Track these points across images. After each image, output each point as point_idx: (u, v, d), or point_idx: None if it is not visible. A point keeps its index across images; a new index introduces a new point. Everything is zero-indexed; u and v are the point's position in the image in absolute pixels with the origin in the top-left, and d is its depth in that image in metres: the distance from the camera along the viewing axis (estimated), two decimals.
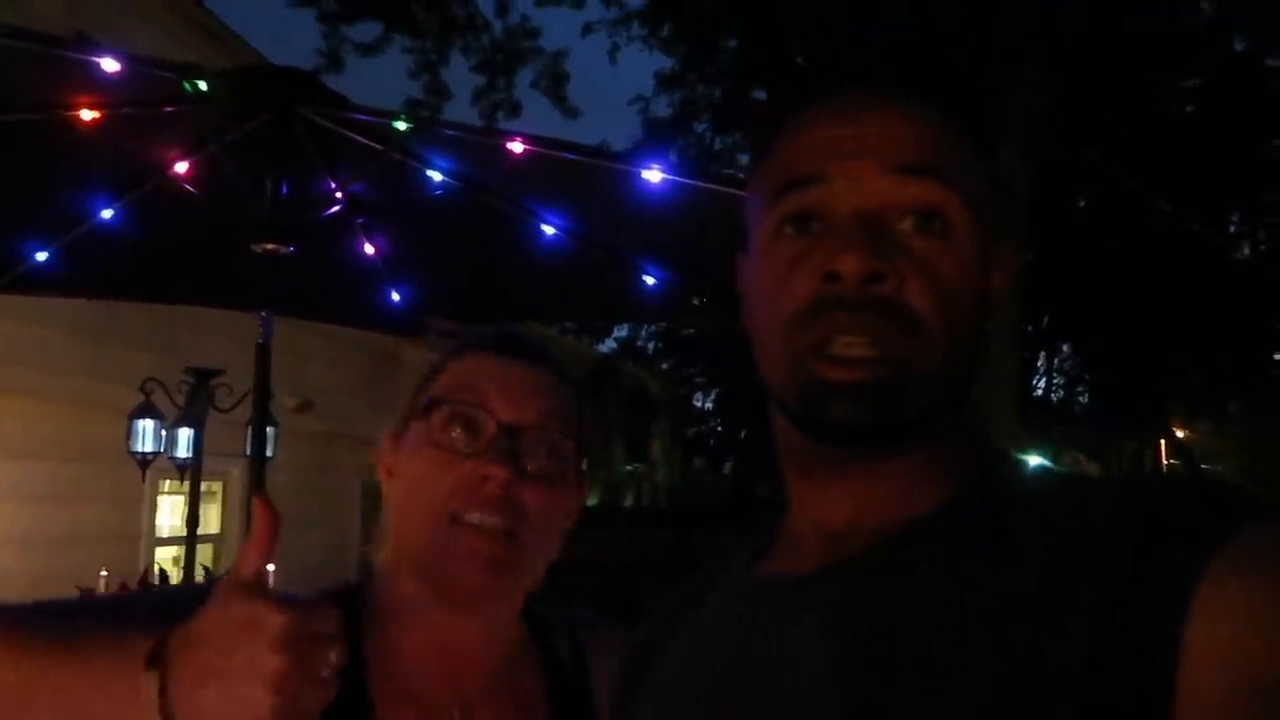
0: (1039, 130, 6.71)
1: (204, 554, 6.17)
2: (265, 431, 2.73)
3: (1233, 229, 11.86)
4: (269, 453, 3.66)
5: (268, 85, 2.61)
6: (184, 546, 4.53)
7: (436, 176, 2.83)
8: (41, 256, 3.16)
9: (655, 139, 12.34)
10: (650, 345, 20.37)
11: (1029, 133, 6.53)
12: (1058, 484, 0.65)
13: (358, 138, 2.69)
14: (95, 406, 5.47)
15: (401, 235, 3.28)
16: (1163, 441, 15.25)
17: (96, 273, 3.47)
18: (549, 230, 3.01)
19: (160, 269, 3.44)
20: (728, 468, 20.76)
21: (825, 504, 0.67)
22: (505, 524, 0.85)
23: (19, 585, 5.02)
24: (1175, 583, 0.49)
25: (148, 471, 4.70)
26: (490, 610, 0.89)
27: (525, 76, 10.03)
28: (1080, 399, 15.62)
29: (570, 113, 10.29)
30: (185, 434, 4.52)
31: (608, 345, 18.92)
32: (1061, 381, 15.76)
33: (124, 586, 4.70)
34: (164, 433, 4.55)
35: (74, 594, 4.35)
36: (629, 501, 17.08)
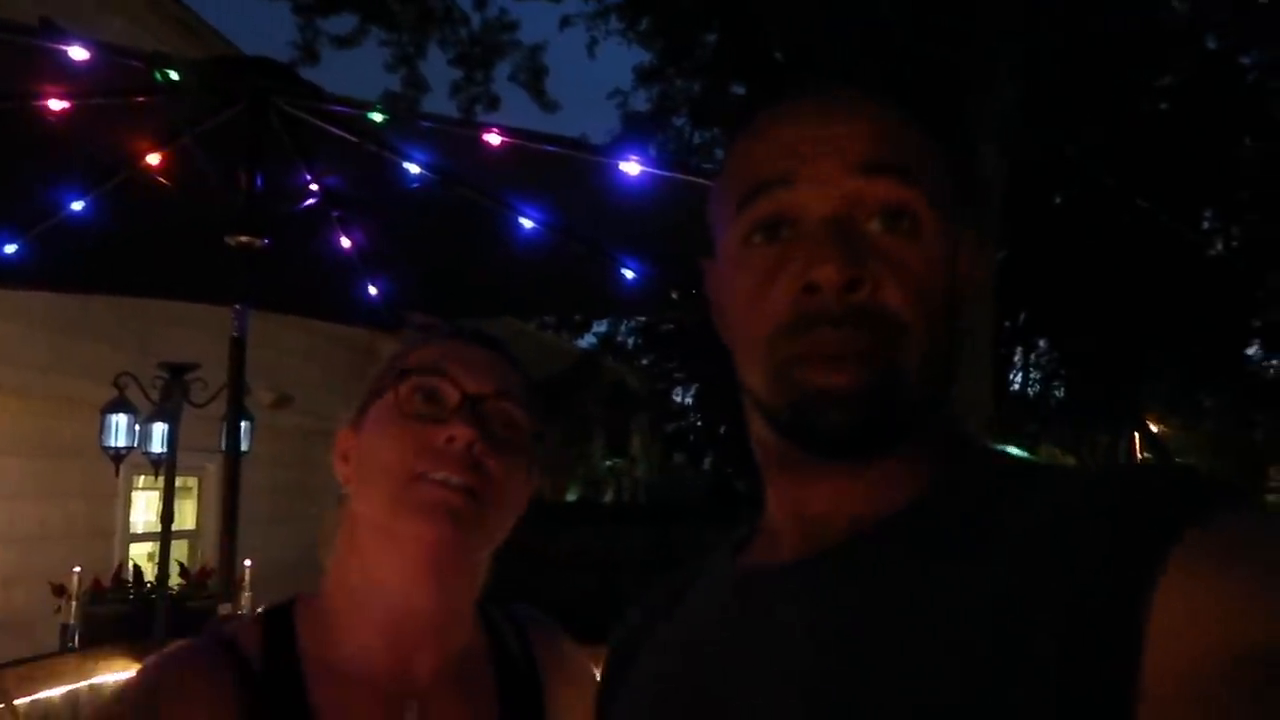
0: (1015, 127, 6.76)
1: (179, 550, 6.12)
2: (241, 427, 2.71)
3: (1206, 226, 12.00)
4: (245, 448, 3.62)
5: (241, 75, 2.58)
6: (159, 543, 4.49)
7: (413, 169, 2.81)
8: (10, 249, 3.12)
9: (634, 133, 12.34)
10: (630, 340, 20.40)
11: (1004, 129, 6.57)
12: (1031, 475, 0.65)
13: (333, 129, 2.67)
14: (67, 401, 5.40)
15: (378, 229, 3.26)
16: (1137, 436, 15.42)
17: (68, 266, 3.42)
18: (527, 224, 3.00)
19: (133, 262, 3.40)
20: (707, 463, 20.81)
21: (804, 498, 0.68)
22: (469, 482, 0.87)
23: None
24: (1141, 567, 0.50)
25: (121, 467, 4.65)
26: (448, 579, 0.90)
27: (503, 70, 10.00)
28: (1056, 394, 15.78)
29: (549, 106, 10.27)
30: (160, 429, 4.47)
31: (587, 340, 18.93)
32: (1038, 377, 15.91)
33: (97, 583, 4.65)
34: (138, 428, 4.49)
35: (47, 590, 4.31)
36: (609, 497, 17.07)
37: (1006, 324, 12.42)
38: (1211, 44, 10.16)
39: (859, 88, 0.69)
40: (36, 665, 3.61)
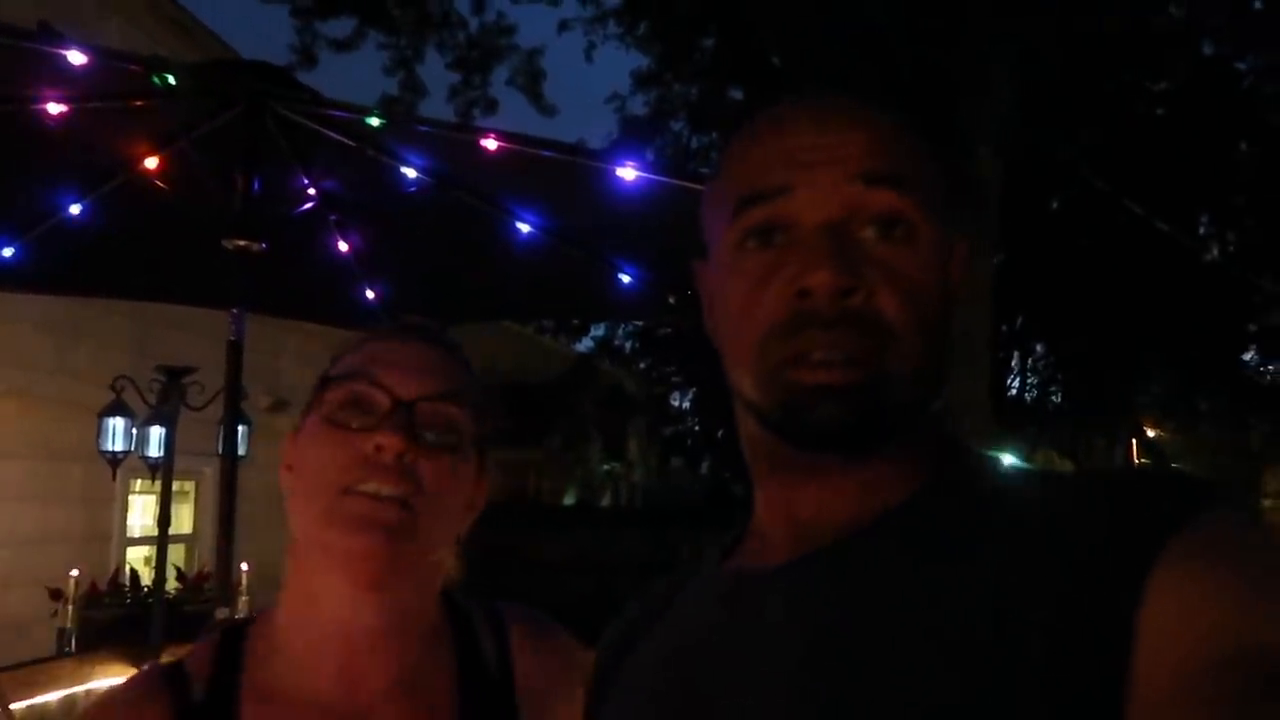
0: (1010, 131, 6.77)
1: (176, 554, 6.11)
2: (238, 430, 2.71)
3: (1202, 231, 12.02)
4: (242, 451, 3.61)
5: (238, 78, 2.58)
6: (155, 546, 4.48)
7: (411, 173, 2.81)
8: (8, 253, 3.11)
9: (631, 137, 12.35)
10: (627, 344, 20.38)
11: (1000, 133, 6.57)
12: (1022, 478, 0.66)
13: (331, 133, 2.67)
14: (64, 405, 5.39)
15: (375, 233, 3.26)
16: (1134, 441, 15.43)
17: (65, 269, 3.42)
18: (525, 228, 3.00)
19: (130, 265, 3.40)
20: (704, 467, 20.79)
21: (793, 501, 0.68)
22: (400, 492, 0.84)
23: None
24: (1130, 569, 0.50)
25: (118, 470, 4.64)
26: (390, 591, 0.87)
27: (501, 74, 10.00)
28: (1053, 398, 15.78)
29: (547, 110, 10.26)
30: (157, 432, 4.46)
31: (585, 344, 18.91)
32: (1035, 381, 15.91)
33: (94, 587, 4.64)
34: (135, 431, 4.49)
35: (43, 594, 4.30)
36: (606, 501, 17.06)
37: (1004, 328, 12.43)
38: (1207, 49, 10.19)
39: (855, 94, 0.70)
40: (33, 669, 3.60)
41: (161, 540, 4.15)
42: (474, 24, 9.67)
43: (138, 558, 6.13)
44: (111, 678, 3.74)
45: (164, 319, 5.72)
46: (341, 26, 9.34)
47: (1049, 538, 0.54)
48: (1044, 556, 0.53)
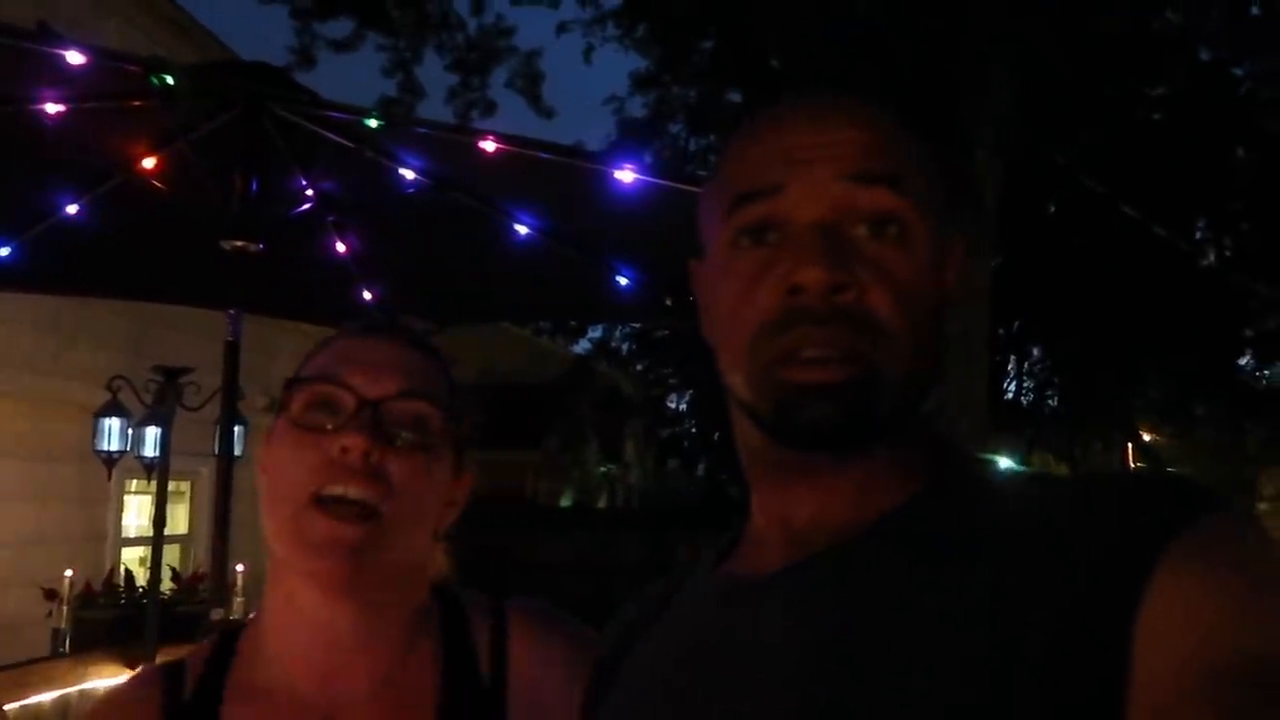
0: (1009, 132, 6.78)
1: (171, 555, 6.10)
2: (234, 430, 2.71)
3: (1199, 235, 12.04)
4: (238, 452, 3.61)
5: (236, 79, 2.59)
6: (151, 547, 4.47)
7: (409, 175, 2.81)
8: (4, 252, 3.11)
9: (630, 139, 12.34)
10: (625, 346, 20.37)
11: (998, 135, 6.59)
12: (1018, 482, 0.66)
13: (329, 134, 2.67)
14: (60, 404, 5.39)
15: (373, 233, 3.26)
16: (1130, 444, 15.45)
17: (62, 269, 3.42)
18: (522, 230, 3.01)
19: (127, 265, 3.40)
20: (701, 469, 20.79)
21: (789, 504, 0.68)
22: (367, 495, 0.82)
23: None
24: (1129, 573, 0.50)
25: (114, 470, 4.64)
26: (364, 596, 0.86)
27: (500, 76, 9.98)
28: (1050, 402, 15.80)
29: (545, 112, 10.25)
30: (152, 432, 4.45)
31: (582, 346, 18.90)
32: (1031, 384, 15.93)
33: (89, 587, 4.63)
34: (131, 431, 4.48)
35: (38, 594, 4.29)
36: (603, 502, 17.05)
37: (1001, 330, 12.44)
38: (1205, 54, 10.21)
39: (851, 94, 0.70)
40: (27, 670, 3.59)
41: (157, 541, 4.14)
42: (473, 25, 9.67)
43: (133, 558, 6.12)
44: (106, 678, 3.73)
45: (160, 319, 5.72)
46: (340, 27, 9.34)
47: (1046, 543, 0.54)
48: (1042, 562, 0.53)
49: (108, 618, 4.35)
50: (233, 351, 2.61)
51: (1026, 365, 15.31)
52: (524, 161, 2.59)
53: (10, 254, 3.11)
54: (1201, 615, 0.48)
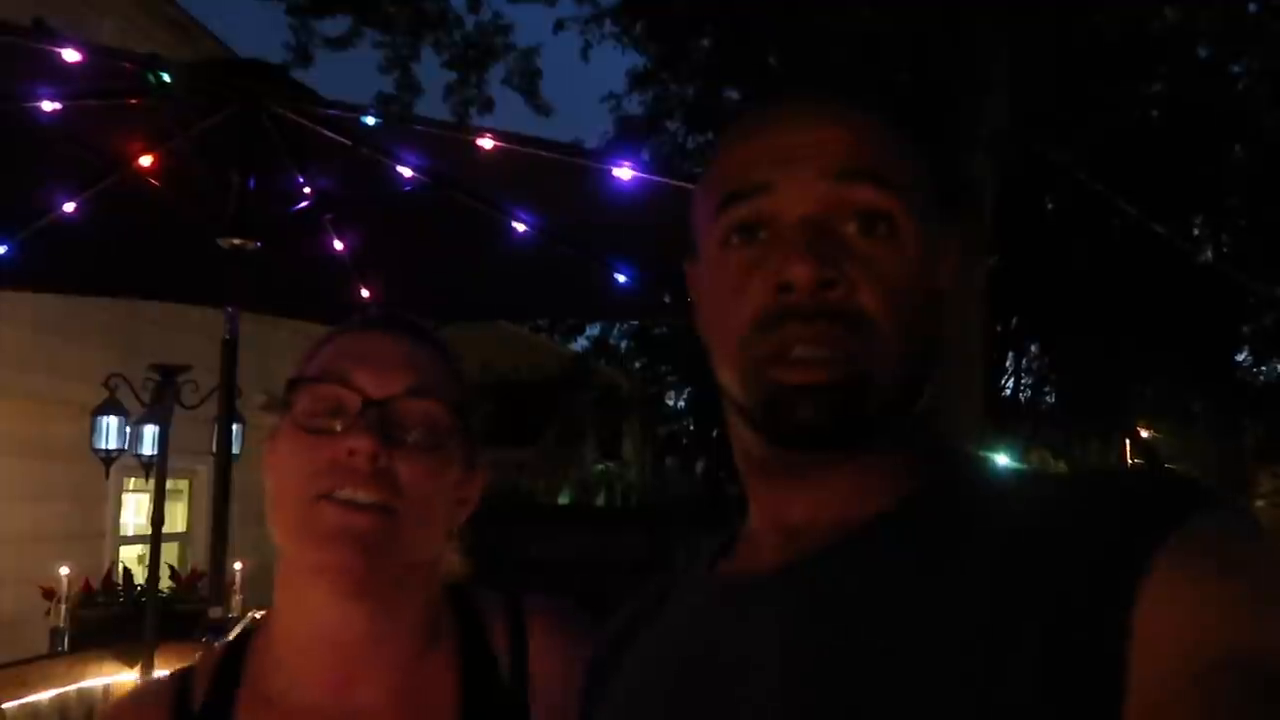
0: (1006, 132, 6.78)
1: (169, 553, 6.10)
2: (232, 429, 2.70)
3: (1196, 233, 12.05)
4: (236, 450, 3.61)
5: (233, 77, 2.58)
6: (149, 545, 4.47)
7: (406, 173, 2.81)
8: (0, 250, 3.10)
9: (627, 137, 12.33)
10: (622, 344, 20.38)
11: (995, 134, 6.59)
12: (1014, 480, 0.66)
13: (326, 132, 2.67)
14: (58, 403, 5.38)
15: (370, 231, 3.25)
16: (1127, 442, 15.47)
17: (59, 267, 3.41)
18: (520, 227, 3.00)
19: (124, 264, 3.40)
20: (699, 467, 20.79)
21: (784, 504, 0.68)
22: (376, 498, 0.80)
23: None
24: (1124, 571, 0.50)
25: (112, 469, 4.63)
26: (377, 598, 0.84)
27: (497, 73, 9.97)
28: (1047, 399, 15.82)
29: (543, 110, 10.24)
30: (150, 431, 4.45)
31: (580, 343, 18.92)
32: (1029, 382, 15.94)
33: (87, 586, 4.63)
34: (128, 430, 4.48)
35: (36, 592, 4.28)
36: (600, 500, 17.05)
37: (998, 328, 12.45)
38: (1202, 53, 10.21)
39: (843, 94, 0.70)
40: (25, 668, 3.59)
41: (155, 539, 4.14)
42: (470, 22, 9.66)
43: (131, 556, 6.12)
44: (104, 677, 3.73)
45: (158, 317, 5.71)
46: (337, 25, 9.33)
47: (1043, 541, 0.54)
48: (1038, 560, 0.53)
49: (106, 616, 4.35)
50: (230, 349, 2.60)
51: (1024, 362, 15.33)
52: (522, 159, 2.59)
53: (7, 252, 3.10)
54: (1198, 612, 0.48)
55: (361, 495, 0.80)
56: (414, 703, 0.86)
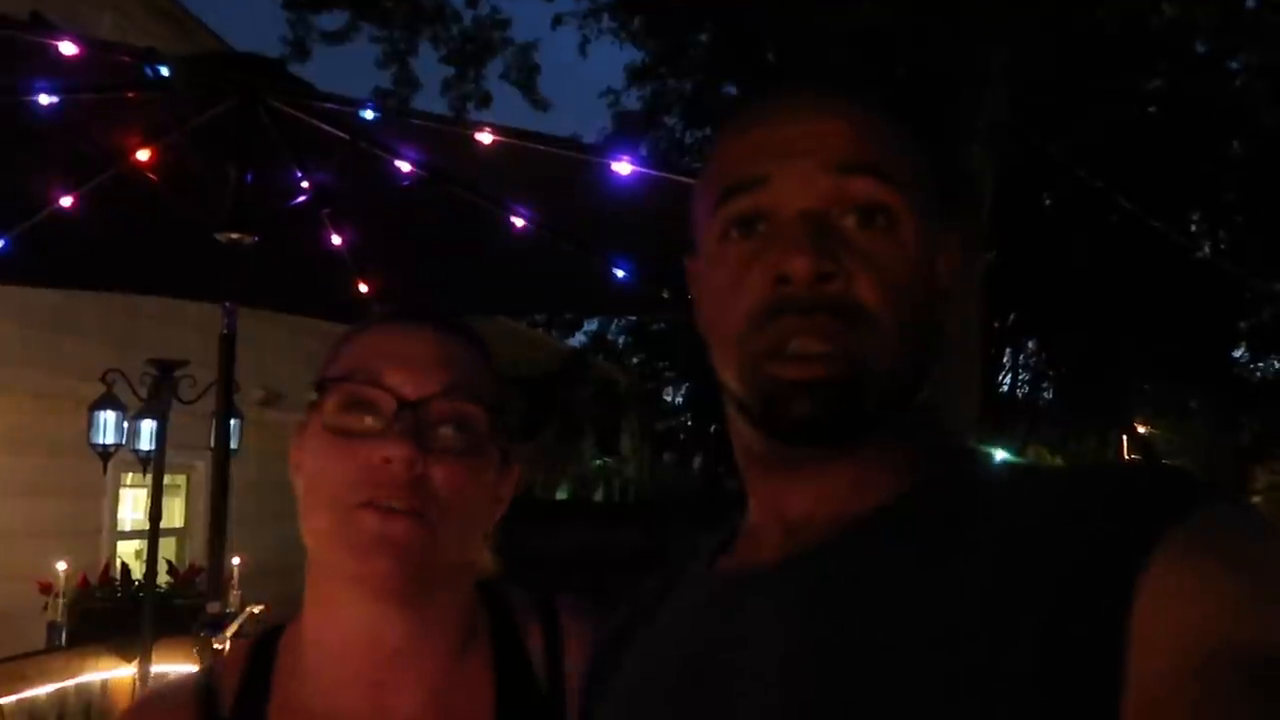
0: (1004, 127, 6.78)
1: (166, 548, 6.10)
2: (230, 424, 2.70)
3: (1194, 228, 12.07)
4: (234, 445, 3.60)
5: (232, 71, 2.57)
6: (146, 540, 4.47)
7: (404, 167, 2.80)
8: None
9: (625, 132, 12.33)
10: (620, 339, 20.38)
11: (993, 129, 6.59)
12: (1014, 474, 0.66)
13: (324, 127, 2.66)
14: (55, 398, 5.37)
15: (368, 226, 3.25)
16: (1125, 438, 15.50)
17: (56, 262, 3.40)
18: (518, 222, 3.00)
19: (122, 258, 3.39)
20: (697, 462, 20.81)
21: (784, 499, 0.68)
22: (413, 506, 0.78)
23: None
24: (1122, 566, 0.50)
25: (109, 464, 4.63)
26: (413, 606, 0.82)
27: (495, 68, 9.95)
28: (1045, 395, 15.84)
29: (540, 105, 10.23)
30: (148, 426, 4.45)
31: (577, 339, 18.92)
32: (1026, 378, 15.97)
33: (85, 581, 4.63)
34: (126, 425, 4.48)
35: (34, 587, 4.29)
36: (598, 495, 17.07)
37: (995, 325, 12.46)
38: (1200, 48, 10.21)
39: (841, 88, 0.70)
40: (22, 662, 3.59)
41: (153, 534, 4.14)
42: (468, 17, 9.64)
43: (128, 551, 6.12)
44: (102, 672, 3.74)
45: (155, 312, 5.71)
46: (334, 19, 9.31)
47: (1043, 534, 0.54)
48: (1038, 553, 0.53)
49: (103, 611, 4.35)
50: (228, 345, 2.59)
51: (1021, 358, 15.35)
52: (520, 153, 2.58)
53: (3, 246, 3.09)
54: (1197, 605, 0.48)
55: (399, 504, 0.78)
56: (449, 706, 0.84)
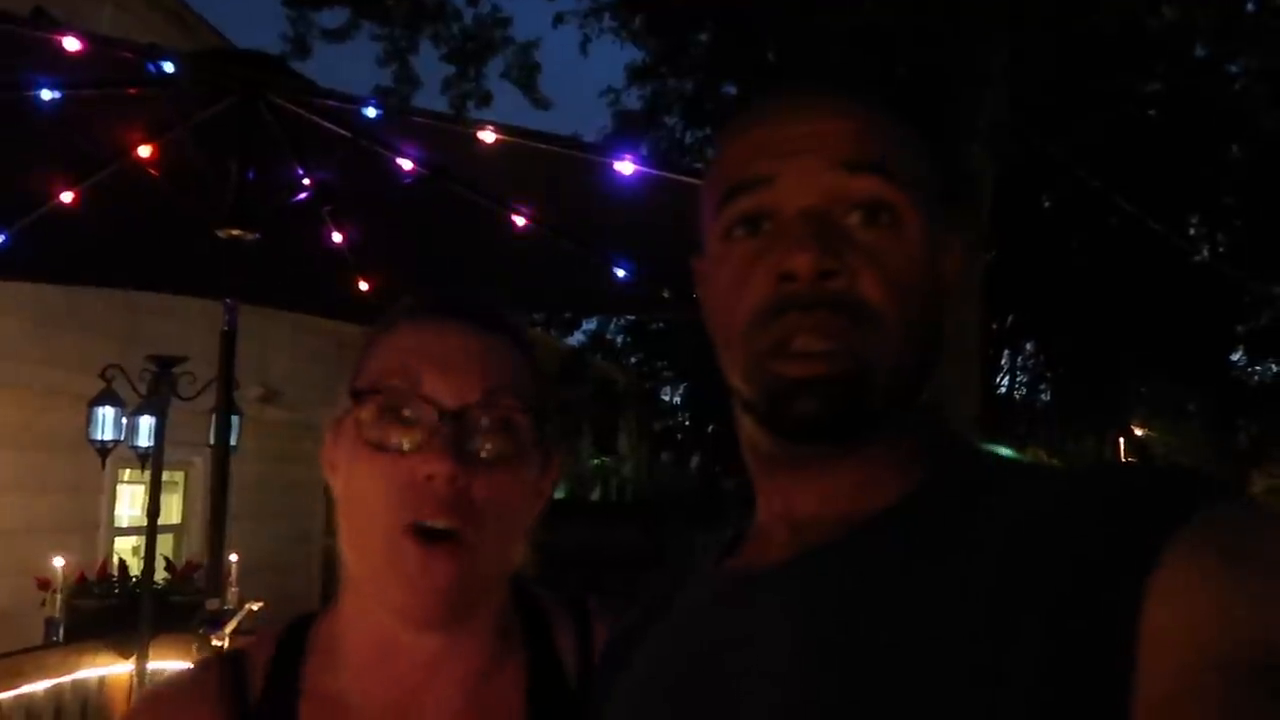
0: (1004, 128, 6.79)
1: (164, 544, 6.09)
2: (229, 421, 2.70)
3: (1192, 231, 12.08)
4: (233, 442, 3.60)
5: (233, 68, 2.57)
6: (144, 537, 4.47)
7: (405, 165, 2.80)
8: None
9: (626, 131, 12.33)
10: (619, 338, 20.39)
11: (993, 130, 6.60)
12: (1020, 472, 0.66)
13: (325, 124, 2.66)
14: (54, 394, 5.37)
15: (369, 223, 3.25)
16: (1122, 440, 15.51)
17: (56, 257, 3.41)
18: (519, 221, 3.00)
19: (123, 254, 3.39)
20: (694, 462, 20.82)
21: (791, 498, 0.68)
22: (455, 524, 0.76)
23: None
24: (1131, 567, 0.50)
25: (108, 460, 4.63)
26: (451, 621, 0.80)
27: (496, 66, 9.95)
28: (1043, 397, 15.86)
29: (541, 104, 10.23)
30: (147, 422, 4.44)
31: (576, 338, 18.91)
32: (1024, 380, 15.99)
33: (82, 577, 4.62)
34: (125, 421, 4.47)
35: (31, 583, 4.28)
36: (596, 494, 17.07)
37: (994, 326, 12.47)
38: (1200, 51, 10.22)
39: (844, 87, 0.70)
40: (20, 658, 3.59)
41: (151, 530, 4.14)
42: (468, 15, 9.64)
43: (126, 548, 6.11)
44: (99, 668, 3.73)
45: (155, 308, 5.70)
46: (335, 16, 9.30)
47: (1050, 533, 0.54)
48: (1044, 553, 0.53)
49: (101, 607, 4.35)
50: (228, 341, 2.60)
51: (1019, 360, 15.37)
52: (521, 152, 2.58)
53: (4, 242, 3.09)
54: (1207, 605, 0.48)
55: (442, 522, 0.75)
56: (484, 706, 0.83)
